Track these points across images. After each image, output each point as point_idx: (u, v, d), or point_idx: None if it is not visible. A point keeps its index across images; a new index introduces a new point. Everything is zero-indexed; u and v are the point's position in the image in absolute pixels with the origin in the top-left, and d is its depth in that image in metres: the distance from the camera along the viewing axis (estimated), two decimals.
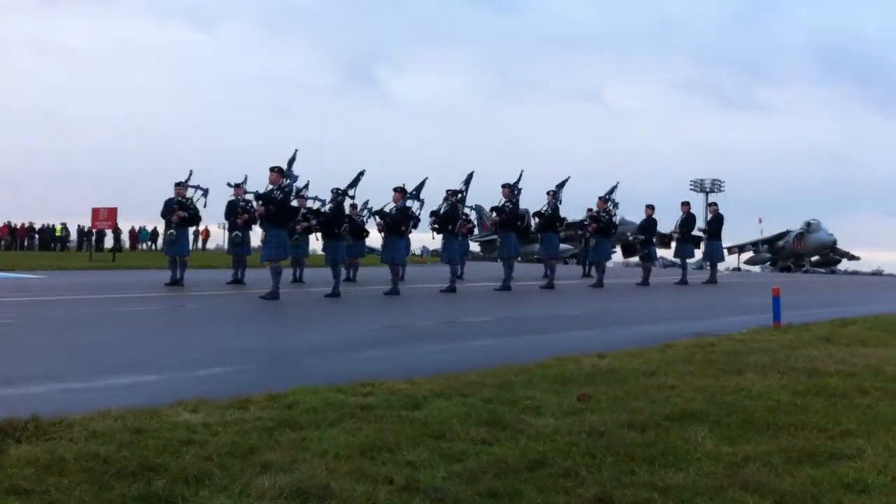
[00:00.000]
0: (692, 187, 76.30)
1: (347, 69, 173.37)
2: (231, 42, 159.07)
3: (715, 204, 24.32)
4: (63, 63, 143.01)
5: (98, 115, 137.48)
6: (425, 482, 4.04)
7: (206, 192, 19.01)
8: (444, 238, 19.35)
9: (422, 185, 19.92)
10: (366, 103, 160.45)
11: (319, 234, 17.89)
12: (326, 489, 3.85)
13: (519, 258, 22.26)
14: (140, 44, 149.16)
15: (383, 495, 3.84)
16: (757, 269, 62.10)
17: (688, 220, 22.63)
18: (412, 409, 5.62)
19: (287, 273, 18.31)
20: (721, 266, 26.73)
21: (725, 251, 26.94)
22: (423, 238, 61.58)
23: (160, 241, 41.31)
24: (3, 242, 51.81)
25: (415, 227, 19.61)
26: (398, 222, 17.60)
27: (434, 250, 44.80)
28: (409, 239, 20.25)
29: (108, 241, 46.55)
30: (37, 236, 53.77)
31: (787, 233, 64.63)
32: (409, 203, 18.46)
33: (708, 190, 75.35)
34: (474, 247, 50.63)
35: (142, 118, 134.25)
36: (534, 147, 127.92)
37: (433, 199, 19.35)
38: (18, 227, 53.34)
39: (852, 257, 64.45)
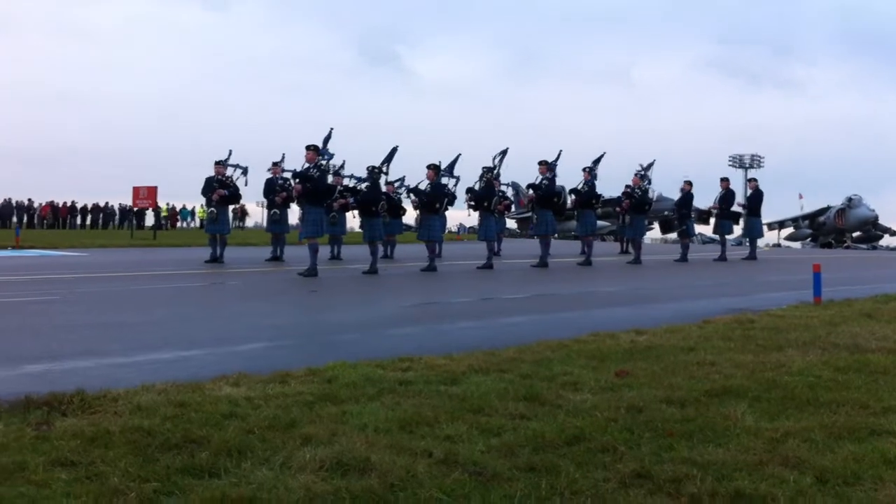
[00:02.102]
0: (731, 163, 75.56)
1: (365, 48, 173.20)
2: (244, 21, 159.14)
3: (755, 179, 24.02)
4: (77, 42, 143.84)
5: (114, 94, 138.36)
6: (464, 456, 4.07)
7: (245, 171, 19.18)
8: (480, 215, 19.33)
9: (455, 161, 19.95)
10: (385, 82, 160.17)
11: (357, 212, 17.96)
12: (366, 462, 3.90)
13: (555, 235, 22.17)
14: (152, 23, 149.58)
15: (422, 468, 3.88)
16: (797, 245, 61.38)
17: (727, 195, 22.41)
18: (450, 384, 5.66)
19: (325, 250, 18.42)
20: (761, 242, 26.46)
21: (765, 227, 26.64)
22: (459, 215, 61.60)
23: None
24: (45, 221, 52.55)
25: (450, 204, 19.65)
26: (433, 200, 17.61)
27: (470, 227, 44.86)
28: (444, 216, 20.27)
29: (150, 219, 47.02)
30: (89, 215, 54.38)
31: (827, 208, 63.75)
32: (444, 180, 18.46)
33: (747, 165, 74.55)
34: (511, 224, 50.56)
35: (158, 97, 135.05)
36: (560, 125, 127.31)
37: (470, 176, 19.36)
38: (61, 205, 54.02)
39: (894, 233, 63.48)
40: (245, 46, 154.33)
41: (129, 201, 37.69)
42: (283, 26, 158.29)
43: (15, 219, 50.32)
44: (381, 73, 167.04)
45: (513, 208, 42.68)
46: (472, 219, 26.10)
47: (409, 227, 25.62)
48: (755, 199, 22.77)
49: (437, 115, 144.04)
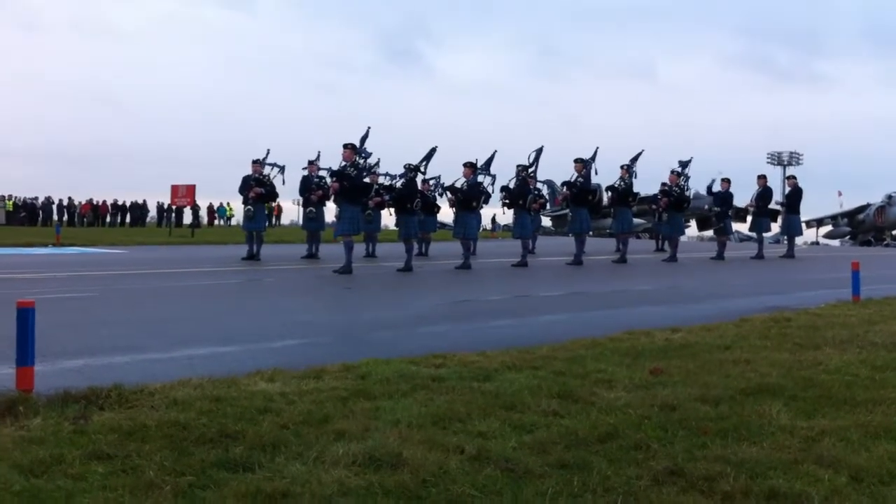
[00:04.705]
0: (769, 160, 74.80)
1: (388, 46, 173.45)
2: (270, 20, 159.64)
3: (793, 177, 23.75)
4: (106, 41, 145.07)
5: (145, 93, 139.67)
6: (496, 452, 4.07)
7: (282, 169, 19.30)
8: (515, 213, 19.30)
9: (491, 158, 19.92)
10: (410, 80, 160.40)
11: (392, 210, 18.00)
12: (399, 458, 3.91)
13: (590, 233, 22.08)
14: (178, 22, 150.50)
15: (454, 464, 3.89)
16: (836, 242, 60.52)
17: (764, 193, 22.19)
18: (483, 380, 5.67)
19: (360, 248, 18.49)
20: (799, 240, 26.14)
21: (804, 225, 26.28)
22: (495, 213, 61.46)
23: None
24: (85, 219, 53.24)
25: (486, 202, 19.65)
26: (469, 198, 17.60)
27: (505, 225, 44.79)
28: (480, 214, 20.26)
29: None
30: (128, 213, 54.97)
31: (867, 206, 62.80)
32: (479, 178, 18.46)
33: (786, 163, 73.71)
34: (546, 222, 50.40)
35: (187, 95, 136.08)
36: (586, 121, 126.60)
37: (503, 173, 19.35)
38: (100, 203, 54.70)
39: None
40: (271, 45, 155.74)
41: (167, 199, 38.09)
42: (308, 25, 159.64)
43: (56, 216, 51.02)
44: (405, 70, 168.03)
45: (548, 206, 42.55)
46: (506, 216, 26.02)
47: (443, 226, 25.62)
48: (794, 197, 22.49)
49: (461, 112, 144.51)
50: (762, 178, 22.59)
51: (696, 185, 24.26)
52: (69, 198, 54.09)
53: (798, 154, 74.85)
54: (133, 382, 5.23)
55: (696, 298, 12.40)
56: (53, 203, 53.22)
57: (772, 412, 4.83)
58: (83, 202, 54.51)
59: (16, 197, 53.00)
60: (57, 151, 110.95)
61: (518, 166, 19.25)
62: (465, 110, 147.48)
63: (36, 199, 53.55)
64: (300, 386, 5.38)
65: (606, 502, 3.51)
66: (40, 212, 52.33)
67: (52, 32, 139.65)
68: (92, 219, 53.51)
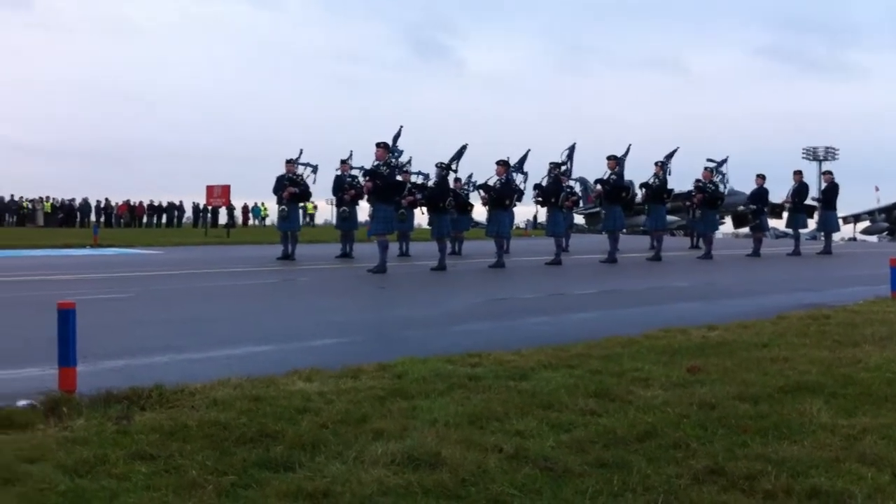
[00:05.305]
0: (805, 155, 73.97)
1: (415, 42, 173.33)
2: (295, 17, 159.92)
3: (830, 172, 23.47)
4: (132, 40, 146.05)
5: (171, 90, 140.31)
6: (534, 451, 4.08)
7: (315, 169, 19.38)
8: (548, 211, 19.26)
9: (524, 157, 19.89)
10: (437, 76, 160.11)
11: (425, 209, 18.03)
12: (437, 457, 3.93)
13: (624, 230, 21.97)
14: (204, 21, 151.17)
15: (493, 463, 3.90)
16: (874, 238, 59.76)
17: (800, 189, 21.97)
18: (520, 379, 5.67)
19: (394, 247, 18.54)
20: (836, 236, 25.84)
21: (840, 221, 26.00)
22: (527, 211, 61.34)
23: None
24: (122, 220, 53.83)
25: (518, 200, 19.61)
26: (502, 196, 17.58)
27: (533, 221, 44.70)
28: (513, 212, 20.23)
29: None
30: (164, 214, 55.54)
31: None
32: (512, 176, 18.44)
33: (821, 158, 72.91)
34: (579, 219, 50.23)
35: (215, 95, 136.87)
36: (614, 115, 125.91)
37: (535, 171, 19.34)
38: (137, 204, 55.27)
39: None
40: (297, 42, 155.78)
41: (202, 199, 38.42)
42: (334, 22, 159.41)
43: (93, 217, 51.63)
44: (432, 66, 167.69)
45: (581, 204, 42.40)
46: (539, 214, 25.98)
47: (476, 224, 25.59)
48: (830, 193, 22.24)
49: (488, 107, 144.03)
50: (798, 173, 22.35)
51: (731, 181, 24.04)
52: (106, 199, 54.73)
53: (834, 149, 73.99)
54: (173, 382, 5.29)
55: (733, 295, 12.31)
56: (91, 204, 53.81)
57: (812, 410, 4.79)
58: (119, 203, 55.12)
59: (53, 198, 53.70)
60: (89, 150, 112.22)
61: (551, 164, 19.21)
62: (493, 104, 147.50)
63: (73, 200, 54.20)
64: (338, 385, 5.41)
65: (646, 501, 3.50)
66: (78, 213, 52.95)
67: (77, 32, 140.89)
68: (129, 219, 54.08)
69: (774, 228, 34.79)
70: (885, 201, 64.22)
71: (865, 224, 65.04)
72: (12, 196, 52.11)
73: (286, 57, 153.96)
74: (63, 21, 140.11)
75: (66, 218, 51.75)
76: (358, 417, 4.64)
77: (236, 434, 4.29)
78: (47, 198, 53.41)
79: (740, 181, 22.61)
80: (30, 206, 51.82)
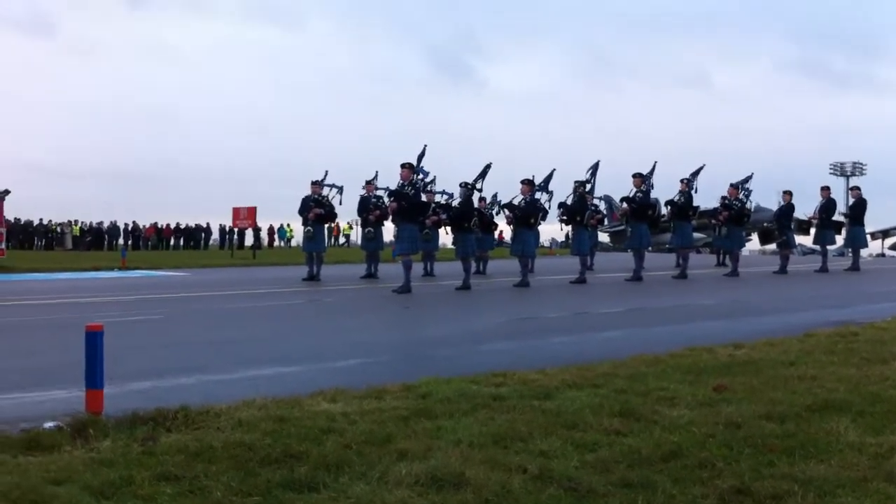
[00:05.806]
0: (832, 171, 73.57)
1: (438, 61, 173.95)
2: (321, 40, 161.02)
3: (857, 188, 23.30)
4: (165, 64, 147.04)
5: (204, 115, 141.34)
6: (559, 472, 4.06)
7: (341, 190, 19.48)
8: (572, 229, 19.22)
9: (550, 176, 19.85)
10: (462, 95, 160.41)
11: (449, 228, 18.05)
12: (461, 477, 3.92)
13: (650, 248, 21.89)
14: (234, 46, 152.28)
15: (517, 484, 3.89)
16: None
17: (828, 205, 21.80)
18: (544, 399, 5.65)
19: (418, 267, 18.57)
20: (864, 252, 25.61)
21: (868, 237, 25.77)
22: (552, 230, 61.24)
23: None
24: (150, 242, 54.26)
25: (543, 219, 19.58)
26: (527, 215, 17.57)
27: (562, 242, 44.60)
28: (538, 231, 20.21)
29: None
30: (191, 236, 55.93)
31: None
32: (537, 195, 18.44)
33: (849, 173, 72.43)
34: (604, 237, 50.05)
35: (246, 117, 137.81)
36: (641, 131, 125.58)
37: (561, 189, 19.27)
38: (164, 227, 55.72)
39: None
40: (324, 65, 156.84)
41: (228, 221, 38.69)
42: (358, 43, 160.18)
43: (121, 240, 52.06)
44: (456, 85, 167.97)
45: (605, 222, 42.27)
46: (563, 233, 25.95)
47: (501, 243, 25.59)
48: (858, 208, 22.07)
49: (513, 124, 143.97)
50: (826, 189, 22.20)
51: (757, 196, 23.92)
52: (133, 221, 55.20)
53: (861, 164, 73.60)
54: (199, 404, 5.32)
55: (759, 313, 12.22)
56: (119, 227, 54.29)
57: (839, 429, 4.75)
58: (147, 225, 55.58)
59: (81, 221, 54.24)
60: (118, 172, 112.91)
61: (575, 182, 19.20)
62: (518, 122, 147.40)
63: (101, 223, 54.71)
64: (362, 406, 5.42)
65: None
66: (106, 236, 53.42)
67: (112, 56, 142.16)
68: (156, 241, 54.50)
69: (802, 245, 34.57)
70: None
71: (894, 240, 64.41)
72: (41, 220, 52.66)
73: (313, 80, 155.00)
74: (99, 48, 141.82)
75: (94, 241, 52.20)
76: (382, 438, 4.64)
77: (261, 455, 4.30)
78: (76, 221, 53.95)
79: (767, 197, 22.37)
80: (59, 229, 52.32)
